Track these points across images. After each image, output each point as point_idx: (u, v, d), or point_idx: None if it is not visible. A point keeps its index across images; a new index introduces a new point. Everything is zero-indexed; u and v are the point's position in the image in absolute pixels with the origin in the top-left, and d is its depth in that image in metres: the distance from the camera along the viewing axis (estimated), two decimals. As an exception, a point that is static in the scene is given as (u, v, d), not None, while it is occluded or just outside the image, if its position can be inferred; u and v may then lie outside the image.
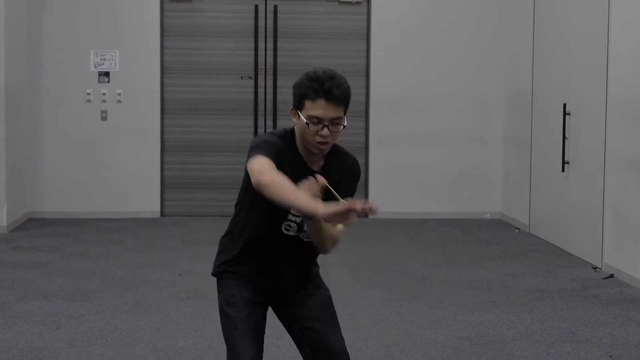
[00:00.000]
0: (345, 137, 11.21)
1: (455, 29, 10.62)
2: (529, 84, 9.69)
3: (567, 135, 8.54)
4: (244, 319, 3.44)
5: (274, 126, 10.50)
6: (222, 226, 3.75)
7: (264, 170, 3.11)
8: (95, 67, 10.32)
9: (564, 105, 8.56)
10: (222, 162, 10.49)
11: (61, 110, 10.31)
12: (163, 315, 6.18)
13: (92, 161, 10.37)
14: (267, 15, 10.52)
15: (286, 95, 10.49)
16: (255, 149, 3.23)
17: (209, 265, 3.69)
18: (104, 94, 10.32)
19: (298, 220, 3.36)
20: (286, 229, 3.38)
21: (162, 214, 10.35)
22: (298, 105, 3.28)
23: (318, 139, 3.26)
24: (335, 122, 3.25)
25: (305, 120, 3.24)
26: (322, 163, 3.39)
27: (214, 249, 3.60)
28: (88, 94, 10.31)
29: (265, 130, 10.48)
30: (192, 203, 10.43)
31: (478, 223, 10.34)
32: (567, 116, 8.53)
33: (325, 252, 3.41)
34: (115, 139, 10.37)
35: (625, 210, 7.41)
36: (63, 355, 5.29)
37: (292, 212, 3.33)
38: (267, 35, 10.51)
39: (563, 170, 8.59)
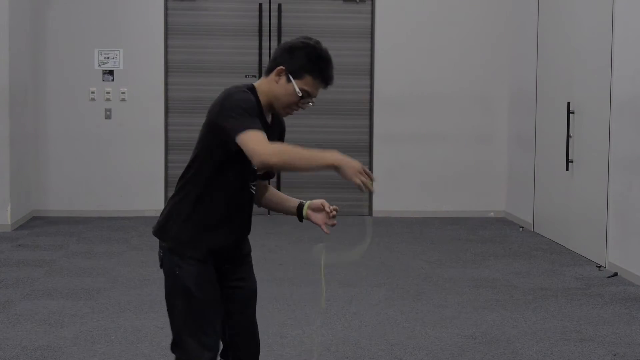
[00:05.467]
0: (350, 136, 11.28)
1: (460, 28, 10.62)
2: (533, 82, 9.68)
3: (571, 134, 8.53)
4: (212, 300, 3.44)
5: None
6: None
7: (265, 151, 3.12)
8: (99, 65, 10.33)
9: (568, 104, 8.55)
10: (226, 161, 10.48)
11: (65, 108, 10.32)
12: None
13: (96, 160, 10.38)
14: (271, 13, 10.52)
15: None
16: (238, 115, 3.21)
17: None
18: (108, 93, 10.33)
19: (257, 174, 3.46)
20: (252, 187, 3.48)
21: (166, 212, 10.33)
22: (295, 73, 3.35)
23: (295, 108, 3.41)
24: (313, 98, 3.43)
25: (299, 92, 3.35)
26: (271, 116, 3.50)
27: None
28: (92, 92, 10.32)
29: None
30: (196, 201, 10.41)
31: (482, 222, 10.34)
32: (571, 115, 8.52)
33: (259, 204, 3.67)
34: (119, 137, 10.38)
35: (630, 208, 7.41)
36: (67, 354, 5.30)
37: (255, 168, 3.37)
38: (271, 34, 10.51)
39: (567, 169, 8.58)
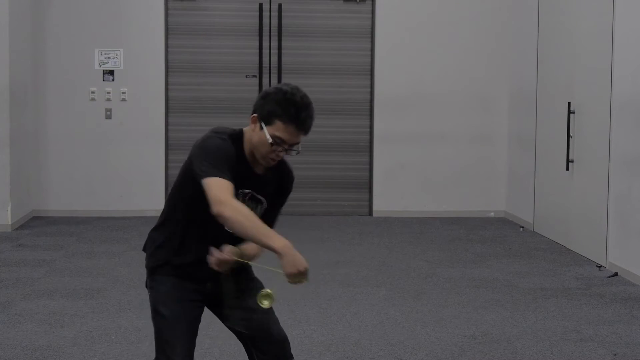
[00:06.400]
0: (350, 136, 11.25)
1: (460, 28, 10.61)
2: (534, 82, 9.68)
3: (571, 134, 8.53)
4: (180, 318, 3.47)
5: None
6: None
7: (224, 201, 3.13)
8: (100, 65, 10.33)
9: (569, 103, 8.55)
10: (226, 161, 10.47)
11: (65, 108, 10.32)
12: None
13: (97, 160, 10.38)
14: (272, 13, 10.52)
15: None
16: (207, 161, 3.22)
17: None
18: (108, 93, 10.33)
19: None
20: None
21: (167, 212, 10.32)
22: (266, 119, 3.28)
23: (273, 156, 3.31)
24: (293, 146, 3.32)
25: (269, 138, 3.27)
26: (264, 168, 3.43)
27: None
28: (92, 92, 10.32)
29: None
30: (196, 201, 10.41)
31: (482, 222, 10.33)
32: (571, 115, 8.52)
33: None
34: (120, 137, 10.38)
35: (630, 208, 7.40)
36: (67, 354, 5.30)
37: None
38: (272, 33, 10.51)
39: (567, 168, 8.58)
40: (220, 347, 5.40)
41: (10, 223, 9.31)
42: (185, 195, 3.41)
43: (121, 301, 6.51)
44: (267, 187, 3.43)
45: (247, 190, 3.38)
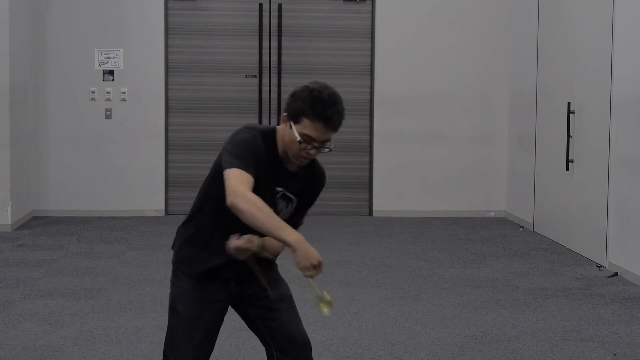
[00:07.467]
0: (350, 136, 11.24)
1: (460, 28, 10.61)
2: (534, 82, 9.68)
3: (571, 134, 8.54)
4: (196, 320, 3.44)
5: (278, 125, 10.51)
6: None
7: (239, 192, 3.13)
8: (100, 65, 10.33)
9: (569, 103, 8.55)
10: (226, 161, 10.47)
11: (65, 108, 10.32)
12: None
13: (97, 160, 10.38)
14: (272, 13, 10.52)
15: (290, 93, 10.50)
16: (232, 153, 3.23)
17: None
18: (108, 93, 10.33)
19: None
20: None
21: (167, 212, 10.35)
22: (294, 118, 3.28)
23: (304, 154, 3.31)
24: (324, 143, 3.32)
25: (297, 137, 3.27)
26: (297, 166, 3.42)
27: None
28: (92, 92, 10.32)
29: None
30: (196, 201, 10.40)
31: (482, 221, 10.33)
32: (571, 115, 8.52)
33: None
34: (120, 137, 10.38)
35: (630, 208, 7.41)
36: (67, 354, 5.30)
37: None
38: (272, 33, 10.51)
39: (567, 168, 8.58)
40: (220, 347, 5.40)
41: (10, 223, 9.31)
42: (215, 190, 3.37)
43: (121, 301, 6.51)
44: (299, 186, 3.42)
45: (279, 189, 3.38)
